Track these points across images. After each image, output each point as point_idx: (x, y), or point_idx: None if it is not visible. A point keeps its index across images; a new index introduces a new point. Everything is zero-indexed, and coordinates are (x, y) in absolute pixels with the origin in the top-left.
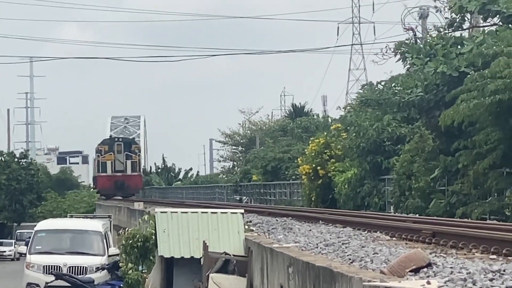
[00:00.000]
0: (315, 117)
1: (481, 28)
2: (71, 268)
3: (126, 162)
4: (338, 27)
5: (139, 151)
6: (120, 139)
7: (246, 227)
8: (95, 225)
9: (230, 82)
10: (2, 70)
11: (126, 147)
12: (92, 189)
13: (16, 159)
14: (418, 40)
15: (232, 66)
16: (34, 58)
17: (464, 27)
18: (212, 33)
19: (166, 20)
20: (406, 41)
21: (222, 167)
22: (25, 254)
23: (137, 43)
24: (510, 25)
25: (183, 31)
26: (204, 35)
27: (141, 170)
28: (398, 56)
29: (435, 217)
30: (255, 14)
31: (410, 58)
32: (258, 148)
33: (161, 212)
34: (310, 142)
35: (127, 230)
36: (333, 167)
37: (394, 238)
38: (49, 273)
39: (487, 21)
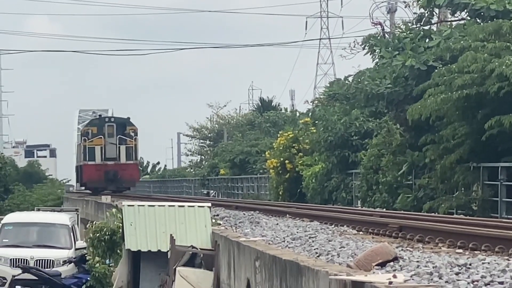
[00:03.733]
0: (283, 111)
1: (449, 23)
2: (38, 261)
3: (119, 147)
4: (306, 21)
5: (136, 135)
6: (112, 119)
7: (213, 220)
8: (62, 218)
9: (198, 76)
10: None
11: (120, 129)
12: (61, 182)
13: None
14: (386, 35)
15: (200, 60)
16: (1, 51)
17: (433, 22)
18: (181, 27)
19: (135, 14)
20: (375, 35)
21: (189, 161)
22: None
23: (106, 37)
24: (478, 19)
25: (152, 25)
26: (173, 29)
27: (138, 158)
28: (367, 50)
29: (402, 211)
30: (224, 8)
31: (379, 51)
32: (226, 142)
33: (128, 205)
34: (278, 136)
35: (94, 223)
36: (301, 161)
37: (361, 232)
38: (16, 267)
39: (455, 15)
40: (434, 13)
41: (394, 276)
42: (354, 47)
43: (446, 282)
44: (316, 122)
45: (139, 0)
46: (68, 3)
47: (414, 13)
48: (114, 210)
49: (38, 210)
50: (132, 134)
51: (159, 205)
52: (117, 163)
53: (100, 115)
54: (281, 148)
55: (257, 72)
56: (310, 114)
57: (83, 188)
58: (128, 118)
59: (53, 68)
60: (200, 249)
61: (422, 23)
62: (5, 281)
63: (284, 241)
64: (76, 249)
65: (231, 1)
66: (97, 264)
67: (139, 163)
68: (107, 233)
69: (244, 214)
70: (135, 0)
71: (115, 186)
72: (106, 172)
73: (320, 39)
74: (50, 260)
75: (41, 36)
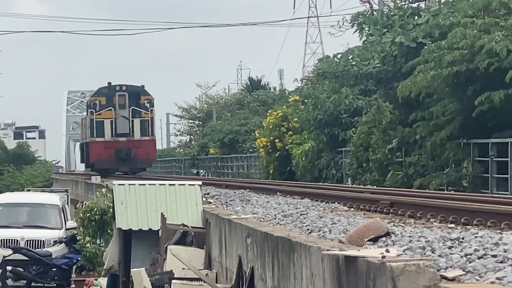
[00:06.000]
0: (271, 90)
1: (437, 0)
2: (28, 241)
3: (133, 121)
4: (294, 0)
5: (152, 106)
6: (124, 88)
7: (204, 199)
8: (52, 198)
9: (186, 56)
10: None
11: (133, 99)
12: (51, 163)
13: None
14: (375, 13)
15: (188, 40)
16: None
17: None
18: (172, 7)
19: None
20: (363, 14)
21: (179, 141)
22: None
23: (98, 17)
24: None
25: (141, 5)
26: (161, 8)
27: (155, 134)
28: (355, 28)
29: (392, 188)
30: None
31: (367, 29)
32: (215, 122)
33: (119, 184)
34: (268, 115)
35: (85, 203)
36: (291, 140)
37: (352, 209)
38: (6, 247)
39: None
40: None
41: (387, 251)
42: (342, 25)
43: (439, 256)
44: (305, 100)
45: None
46: None
47: None
48: (104, 189)
49: (28, 191)
50: (148, 105)
51: (149, 184)
52: (130, 140)
53: (109, 83)
54: (270, 127)
55: (246, 52)
56: (299, 92)
57: (89, 169)
58: (143, 86)
59: (42, 49)
60: (191, 227)
61: (411, 0)
62: None
63: (275, 218)
64: (66, 229)
65: None
66: (88, 244)
67: (155, 139)
68: (97, 212)
69: (235, 192)
70: None
71: (128, 167)
72: (118, 151)
73: (308, 17)
74: (41, 240)
75: (29, 18)
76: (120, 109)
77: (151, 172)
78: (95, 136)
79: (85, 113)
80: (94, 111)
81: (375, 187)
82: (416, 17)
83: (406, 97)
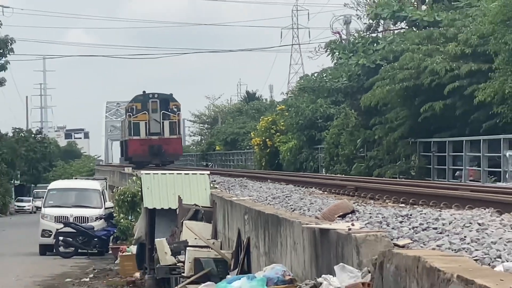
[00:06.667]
0: (264, 101)
1: (392, 31)
2: (76, 218)
3: (163, 122)
4: (281, 32)
5: (179, 110)
6: (156, 95)
7: (211, 185)
8: (94, 184)
9: (197, 74)
10: (22, 66)
11: (163, 105)
12: (93, 158)
13: (33, 135)
14: (343, 41)
15: (199, 62)
16: (46, 56)
17: (379, 30)
18: (185, 37)
19: (151, 26)
20: (334, 42)
21: (192, 140)
22: (41, 207)
23: (127, 45)
24: (414, 28)
25: (162, 35)
26: (179, 38)
27: (181, 133)
28: (328, 53)
29: (357, 176)
30: (217, 22)
31: (337, 54)
32: (220, 125)
33: (146, 174)
34: (260, 120)
35: (119, 188)
36: (278, 139)
37: (325, 192)
38: (59, 222)
39: (396, 25)
40: (380, 23)
41: (352, 225)
42: (318, 50)
43: (393, 228)
44: (289, 108)
45: (155, 17)
46: (100, 19)
47: (365, 23)
48: (134, 177)
49: (76, 179)
50: (175, 109)
51: (169, 173)
52: (161, 138)
53: (144, 91)
54: (262, 129)
55: (244, 71)
56: (284, 102)
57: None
58: (171, 94)
59: (87, 69)
60: (202, 206)
61: (371, 31)
62: (51, 233)
63: (266, 200)
64: (105, 208)
65: (224, 16)
66: (122, 220)
67: (182, 138)
68: (129, 195)
69: (235, 180)
70: (152, 16)
71: (159, 160)
72: (151, 147)
73: (292, 44)
74: (85, 217)
75: (78, 45)
76: (153, 113)
77: (177, 164)
78: (132, 135)
79: (123, 117)
80: (131, 114)
81: (343, 175)
82: (375, 44)
83: (367, 106)
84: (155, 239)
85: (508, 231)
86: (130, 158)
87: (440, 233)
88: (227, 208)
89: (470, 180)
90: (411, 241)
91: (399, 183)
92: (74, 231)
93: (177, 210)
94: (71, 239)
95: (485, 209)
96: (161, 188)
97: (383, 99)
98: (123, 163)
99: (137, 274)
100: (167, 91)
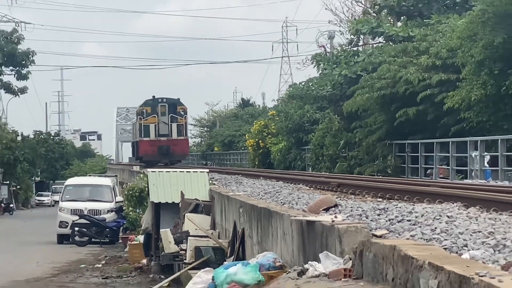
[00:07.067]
0: (257, 107)
1: (371, 45)
2: (90, 211)
3: (171, 125)
4: (272, 45)
5: (185, 113)
6: (164, 100)
7: (210, 181)
8: (106, 181)
9: (198, 83)
10: (41, 76)
11: (171, 109)
12: (105, 157)
13: (51, 137)
14: (327, 54)
15: (200, 72)
16: (64, 67)
17: (359, 44)
18: (188, 50)
19: (157, 41)
20: (320, 54)
21: (193, 142)
22: (58, 201)
23: (137, 56)
24: (390, 42)
25: (168, 48)
26: (182, 51)
27: (188, 134)
28: (314, 64)
29: (340, 174)
30: (216, 36)
31: (323, 65)
32: (218, 129)
33: (152, 171)
34: (254, 124)
35: (128, 184)
36: (270, 141)
37: (311, 188)
38: (74, 214)
39: (375, 40)
40: (360, 38)
41: (335, 217)
42: (305, 62)
43: (371, 220)
44: (280, 114)
45: (161, 32)
46: (111, 34)
47: (347, 38)
48: (142, 175)
49: (90, 176)
50: (182, 113)
51: (173, 171)
52: (169, 139)
53: (153, 96)
54: (256, 132)
55: (239, 80)
56: (275, 108)
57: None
58: (178, 98)
59: (100, 78)
60: (202, 201)
61: (352, 45)
62: (67, 224)
63: (259, 195)
64: (116, 202)
65: (221, 32)
66: (130, 212)
67: (189, 138)
68: (137, 191)
69: (231, 177)
70: (158, 32)
71: (168, 159)
72: (160, 147)
73: (282, 57)
74: (98, 210)
75: (92, 57)
76: (162, 116)
77: (182, 163)
78: (143, 136)
79: (134, 120)
80: (142, 117)
81: (327, 173)
82: (356, 57)
83: (349, 112)
84: (160, 230)
85: (474, 223)
86: (141, 157)
87: (414, 224)
88: (224, 202)
89: (440, 178)
90: (388, 232)
91: (377, 180)
92: (88, 222)
93: (180, 204)
94: (85, 230)
95: (453, 203)
96: (165, 184)
97: (363, 106)
98: (132, 162)
99: (144, 261)
100: (174, 97)
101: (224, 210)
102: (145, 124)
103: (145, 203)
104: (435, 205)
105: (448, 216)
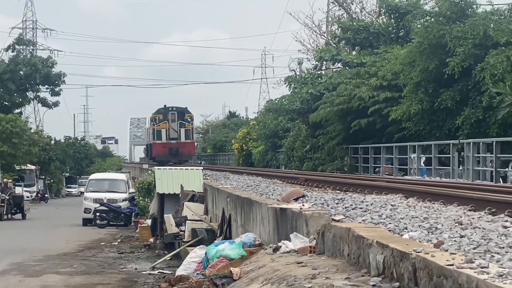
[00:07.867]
0: (241, 118)
1: (331, 69)
2: (108, 200)
3: (180, 130)
4: (253, 69)
5: (192, 120)
6: (174, 108)
7: (204, 177)
8: (122, 176)
9: (195, 99)
10: (70, 93)
11: (180, 116)
12: (121, 157)
13: (78, 141)
14: (297, 76)
15: (196, 90)
16: (88, 86)
17: (323, 69)
18: (187, 72)
19: (163, 65)
20: (291, 76)
21: None
22: (83, 192)
23: (147, 77)
24: (347, 67)
25: (172, 71)
26: (183, 73)
27: (194, 138)
28: (287, 84)
29: (306, 171)
30: (210, 62)
31: (293, 85)
32: (210, 135)
33: (158, 169)
34: (239, 131)
35: (139, 179)
36: (251, 145)
37: (284, 182)
38: (96, 202)
39: (334, 65)
40: (323, 64)
41: (303, 205)
42: (280, 83)
43: (331, 208)
44: (259, 123)
45: (166, 58)
46: (126, 59)
47: (312, 64)
48: (150, 171)
49: (108, 172)
50: (189, 119)
51: (174, 168)
52: (178, 142)
53: (165, 105)
54: (240, 138)
55: (228, 97)
56: (256, 119)
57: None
58: (186, 107)
59: (117, 95)
60: (197, 192)
61: (317, 69)
62: (90, 210)
63: (242, 187)
64: (129, 193)
65: (214, 58)
66: (140, 201)
67: (195, 141)
68: (146, 184)
69: (220, 173)
70: (164, 58)
71: (177, 159)
72: (170, 149)
73: (261, 78)
74: (115, 199)
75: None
76: (172, 122)
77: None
78: (155, 139)
79: (147, 126)
80: (155, 123)
81: (296, 170)
82: (320, 79)
83: (314, 122)
84: (164, 215)
85: (412, 210)
86: (154, 157)
87: (365, 211)
88: (215, 193)
89: (386, 175)
90: (344, 217)
91: (336, 176)
92: (107, 209)
93: (180, 195)
94: (105, 215)
95: (396, 195)
96: (168, 179)
97: (325, 117)
98: (142, 162)
99: (151, 239)
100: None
101: (215, 200)
102: (157, 129)
103: (152, 194)
104: (381, 196)
105: (392, 205)
